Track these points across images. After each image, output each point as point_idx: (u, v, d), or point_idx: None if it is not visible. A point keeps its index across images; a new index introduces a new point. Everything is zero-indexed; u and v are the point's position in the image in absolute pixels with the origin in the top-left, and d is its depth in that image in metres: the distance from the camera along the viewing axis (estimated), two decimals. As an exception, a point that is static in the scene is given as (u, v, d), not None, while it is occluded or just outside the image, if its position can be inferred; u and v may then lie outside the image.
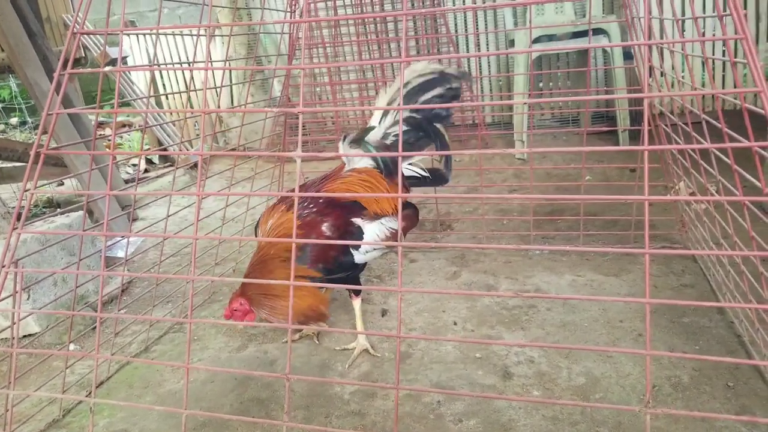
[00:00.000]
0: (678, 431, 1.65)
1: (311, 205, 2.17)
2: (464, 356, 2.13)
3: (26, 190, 1.50)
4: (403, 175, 2.30)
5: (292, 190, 2.10)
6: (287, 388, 1.26)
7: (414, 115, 2.28)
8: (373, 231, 2.15)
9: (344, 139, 2.25)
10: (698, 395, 1.80)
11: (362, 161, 2.29)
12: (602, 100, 5.02)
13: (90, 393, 2.04)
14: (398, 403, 1.16)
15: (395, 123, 2.27)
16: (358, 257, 2.17)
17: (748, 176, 1.54)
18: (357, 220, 2.14)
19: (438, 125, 2.32)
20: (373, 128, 2.28)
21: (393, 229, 2.20)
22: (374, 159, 2.27)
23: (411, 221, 2.35)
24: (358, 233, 2.13)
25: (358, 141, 2.25)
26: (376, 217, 2.18)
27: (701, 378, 1.88)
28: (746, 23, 1.05)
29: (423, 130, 2.30)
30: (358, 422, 1.83)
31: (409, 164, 2.39)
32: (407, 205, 2.37)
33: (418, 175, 2.39)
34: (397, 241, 2.30)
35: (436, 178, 2.42)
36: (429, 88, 2.23)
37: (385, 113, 2.27)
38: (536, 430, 1.73)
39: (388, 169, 2.27)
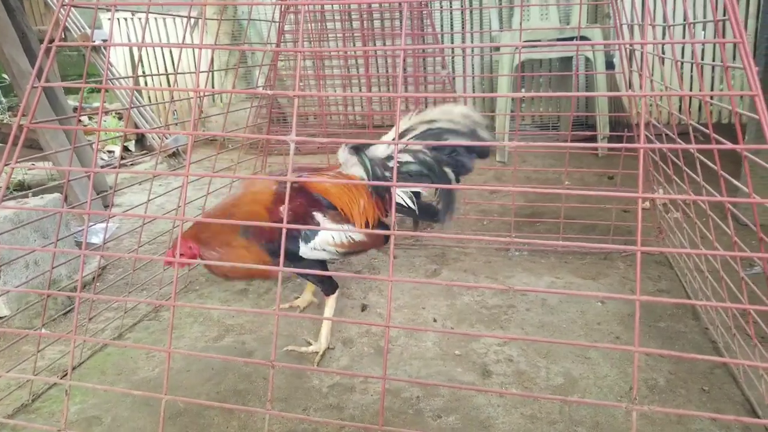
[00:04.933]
0: (654, 432, 1.68)
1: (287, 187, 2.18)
2: (444, 353, 2.13)
3: (7, 164, 1.45)
4: (390, 199, 2.21)
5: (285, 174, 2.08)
6: (271, 376, 1.25)
7: (425, 152, 2.19)
8: (329, 233, 2.08)
9: (346, 146, 2.23)
10: (674, 398, 1.83)
11: (354, 169, 2.23)
12: (584, 102, 5.09)
13: (63, 376, 1.98)
14: (379, 396, 1.15)
15: (402, 152, 2.19)
16: (304, 250, 2.09)
17: (734, 182, 1.57)
18: (318, 215, 2.09)
19: (448, 170, 2.21)
20: (377, 145, 2.23)
21: (353, 239, 2.12)
22: (365, 171, 2.20)
23: (375, 242, 2.24)
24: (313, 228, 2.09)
25: (357, 150, 2.20)
26: (343, 220, 2.12)
27: (677, 381, 1.90)
28: (743, 28, 1.06)
29: (429, 170, 2.19)
30: (337, 415, 1.82)
31: (401, 192, 2.26)
32: (384, 226, 2.26)
33: (405, 205, 2.27)
34: (357, 252, 2.25)
35: (426, 212, 2.30)
36: (455, 135, 2.14)
37: (401, 137, 2.18)
38: (515, 428, 1.73)
39: (376, 189, 2.20)
